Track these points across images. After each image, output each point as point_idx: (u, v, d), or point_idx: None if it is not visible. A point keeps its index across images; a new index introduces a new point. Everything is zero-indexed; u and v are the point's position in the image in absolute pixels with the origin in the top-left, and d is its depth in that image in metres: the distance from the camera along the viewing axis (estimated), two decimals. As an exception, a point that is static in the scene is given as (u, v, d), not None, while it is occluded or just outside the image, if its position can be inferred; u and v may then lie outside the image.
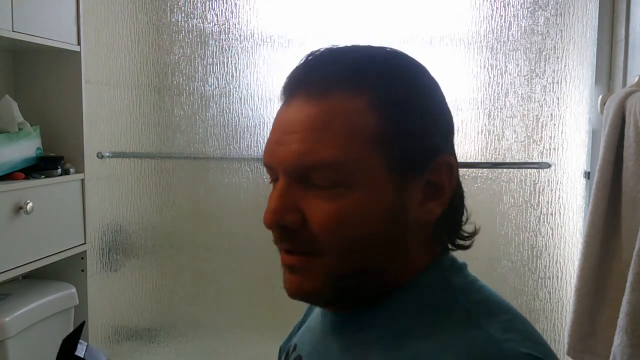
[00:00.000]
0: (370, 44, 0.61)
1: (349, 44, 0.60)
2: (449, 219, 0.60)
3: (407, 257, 0.59)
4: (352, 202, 0.55)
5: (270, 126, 0.61)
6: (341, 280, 0.57)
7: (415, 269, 0.59)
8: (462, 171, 1.83)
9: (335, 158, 0.54)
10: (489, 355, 0.50)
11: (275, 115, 0.61)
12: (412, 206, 0.57)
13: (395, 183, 0.55)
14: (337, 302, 0.60)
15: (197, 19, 1.89)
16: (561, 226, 1.77)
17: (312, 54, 0.59)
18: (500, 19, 1.74)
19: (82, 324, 0.91)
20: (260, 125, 1.90)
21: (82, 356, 0.76)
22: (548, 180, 1.76)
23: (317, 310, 0.68)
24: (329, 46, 0.59)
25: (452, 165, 0.58)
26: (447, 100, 0.61)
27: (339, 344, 0.61)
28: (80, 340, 0.84)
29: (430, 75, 0.61)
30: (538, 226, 1.78)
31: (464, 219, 0.63)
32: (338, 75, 0.56)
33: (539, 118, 1.75)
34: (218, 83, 1.90)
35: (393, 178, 0.55)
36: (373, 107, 0.55)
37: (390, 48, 0.61)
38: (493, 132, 1.77)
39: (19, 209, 1.49)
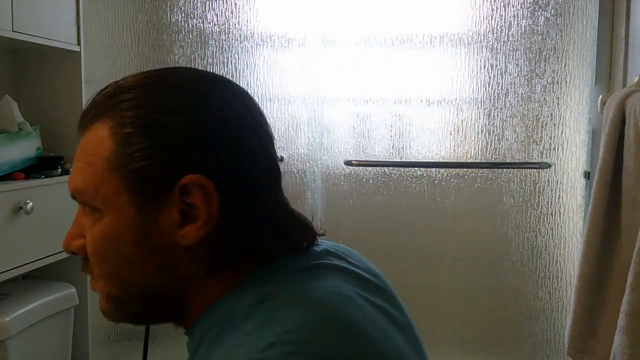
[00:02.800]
0: (165, 68, 0.60)
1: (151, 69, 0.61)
2: (243, 238, 0.56)
3: (197, 281, 0.56)
4: (102, 227, 0.56)
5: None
6: (122, 303, 0.58)
7: (220, 292, 0.57)
8: (462, 171, 1.84)
9: (80, 185, 0.57)
10: None
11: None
12: (166, 230, 0.54)
13: (139, 207, 0.54)
14: (142, 322, 0.61)
15: (197, 19, 1.89)
16: (561, 226, 1.77)
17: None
18: (500, 19, 1.74)
19: None
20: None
21: None
22: (548, 180, 1.76)
23: None
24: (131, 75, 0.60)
25: (203, 186, 0.53)
26: (247, 119, 0.58)
27: None
28: None
29: (214, 96, 0.57)
30: (538, 226, 1.78)
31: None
32: (98, 106, 0.58)
33: (539, 118, 1.75)
34: (218, 83, 1.90)
35: (136, 202, 0.54)
36: (113, 133, 0.55)
37: (176, 69, 0.61)
38: (493, 132, 1.77)
39: (19, 209, 1.49)
